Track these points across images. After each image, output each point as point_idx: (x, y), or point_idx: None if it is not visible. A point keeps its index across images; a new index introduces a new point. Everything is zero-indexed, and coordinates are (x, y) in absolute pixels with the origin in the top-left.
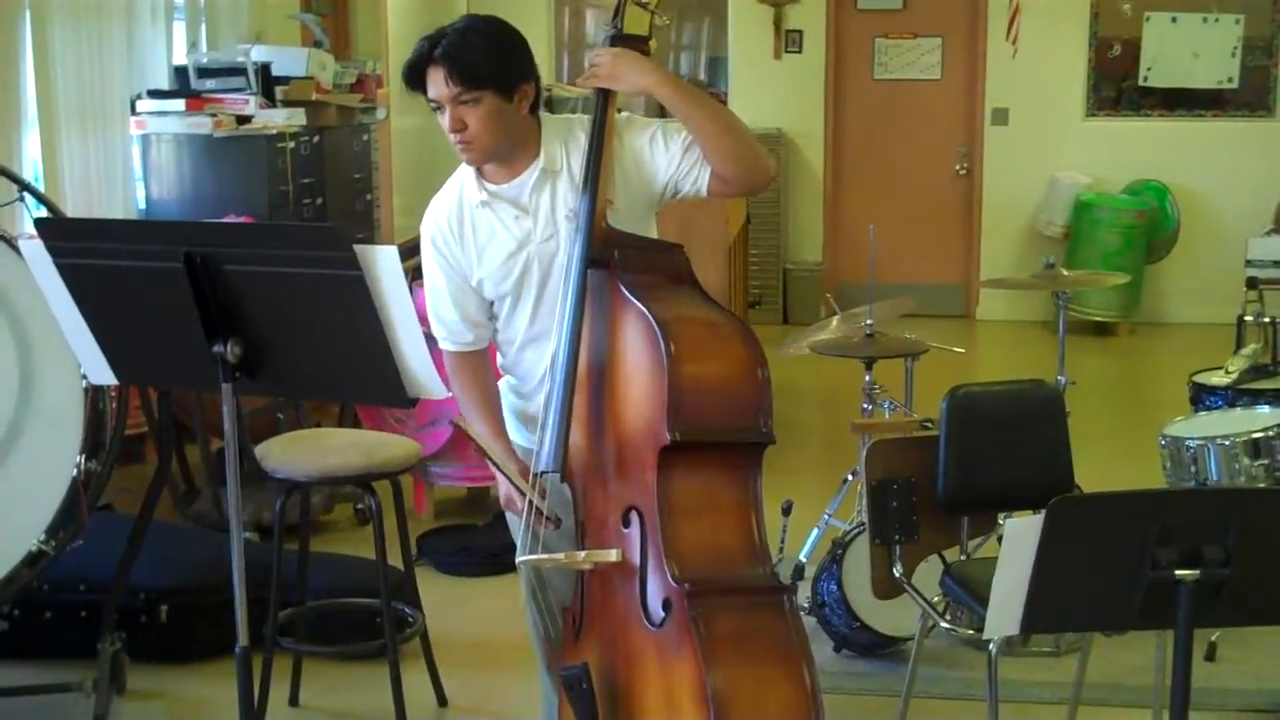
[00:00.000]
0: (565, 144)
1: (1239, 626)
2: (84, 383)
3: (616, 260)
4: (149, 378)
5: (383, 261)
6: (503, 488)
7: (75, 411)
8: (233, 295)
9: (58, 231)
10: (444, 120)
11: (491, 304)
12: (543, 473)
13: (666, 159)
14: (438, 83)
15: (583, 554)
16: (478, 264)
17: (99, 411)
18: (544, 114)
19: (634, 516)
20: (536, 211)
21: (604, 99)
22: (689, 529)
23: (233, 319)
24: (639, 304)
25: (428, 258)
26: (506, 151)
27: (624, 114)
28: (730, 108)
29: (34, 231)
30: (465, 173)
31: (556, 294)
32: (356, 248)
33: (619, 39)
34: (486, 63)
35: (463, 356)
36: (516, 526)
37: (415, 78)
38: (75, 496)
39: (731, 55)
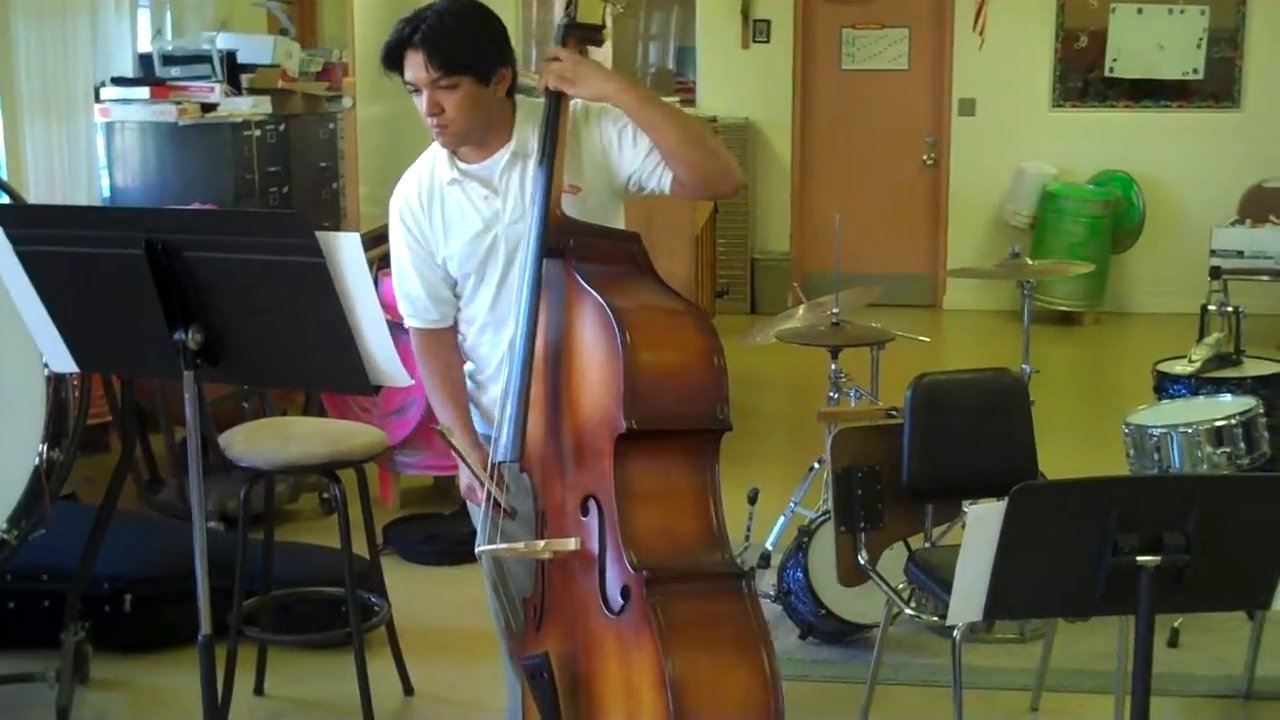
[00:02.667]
0: (538, 127)
1: (1200, 612)
2: (45, 371)
3: (571, 249)
4: (111, 365)
5: (345, 248)
6: (464, 478)
7: (37, 400)
8: (194, 282)
9: (17, 219)
10: (421, 103)
11: (456, 282)
12: (501, 462)
13: (633, 154)
14: (416, 66)
15: (542, 543)
16: (444, 241)
17: (61, 400)
18: (519, 97)
19: (592, 505)
20: (506, 192)
21: (557, 101)
22: (647, 516)
23: (194, 306)
24: (594, 293)
25: (395, 233)
26: (481, 134)
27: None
28: (699, 98)
29: None
30: (437, 150)
31: (518, 280)
32: (318, 234)
33: (572, 28)
34: (466, 48)
35: (429, 334)
36: (478, 516)
37: (393, 60)
38: (37, 486)
39: (699, 45)
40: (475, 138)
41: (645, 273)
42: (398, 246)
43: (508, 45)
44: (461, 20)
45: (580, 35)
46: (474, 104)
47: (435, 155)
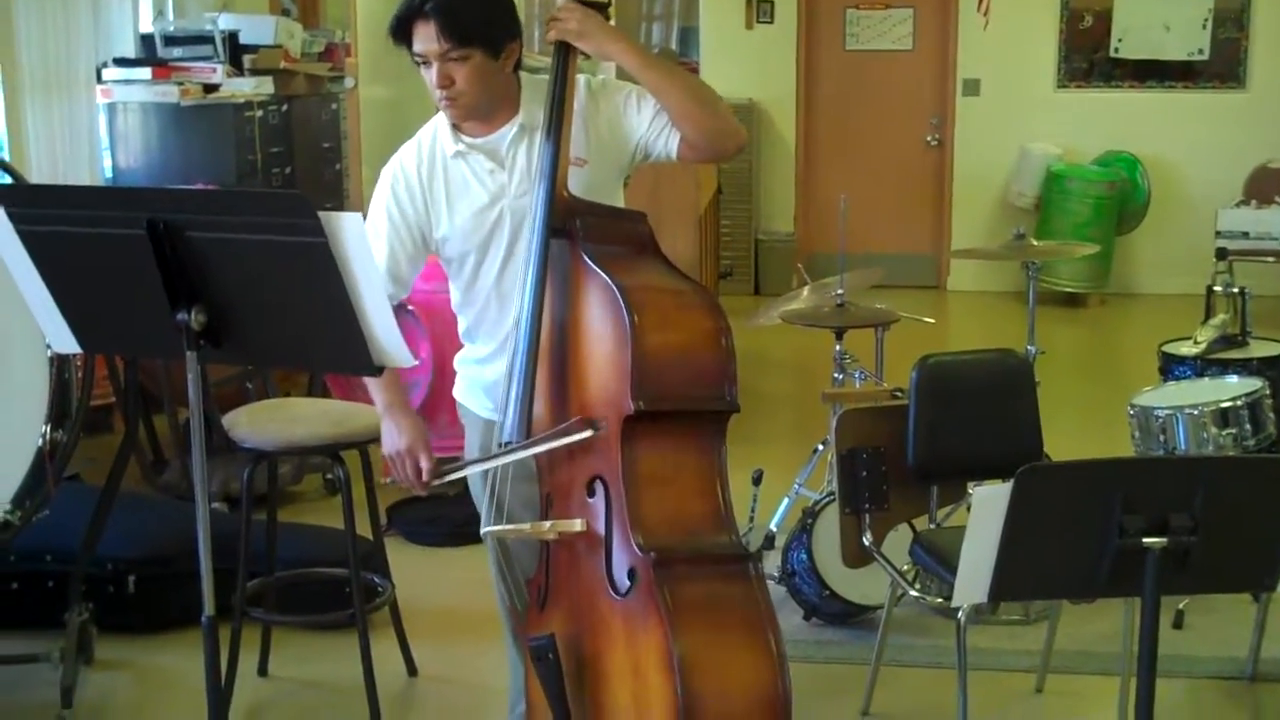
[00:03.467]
0: (544, 103)
1: (1206, 594)
2: (48, 352)
3: (578, 229)
4: (113, 346)
5: (348, 228)
6: (387, 443)
7: (40, 381)
8: (196, 262)
9: (19, 199)
10: (430, 76)
11: (458, 261)
12: (507, 443)
13: (639, 120)
14: (427, 38)
15: (548, 524)
16: (447, 216)
17: (64, 381)
18: (524, 74)
19: (599, 486)
20: (513, 166)
21: (564, 55)
22: (654, 498)
23: (196, 287)
24: (602, 273)
25: (379, 201)
26: (489, 108)
27: (600, 76)
28: (702, 78)
29: None
30: (440, 123)
31: (525, 253)
32: (321, 214)
33: (579, 3)
34: (478, 20)
35: None
36: (480, 498)
37: (402, 31)
38: (41, 467)
39: (703, 25)
40: (483, 111)
41: (652, 253)
42: (377, 213)
43: (516, 19)
44: None
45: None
46: (484, 77)
47: (437, 127)
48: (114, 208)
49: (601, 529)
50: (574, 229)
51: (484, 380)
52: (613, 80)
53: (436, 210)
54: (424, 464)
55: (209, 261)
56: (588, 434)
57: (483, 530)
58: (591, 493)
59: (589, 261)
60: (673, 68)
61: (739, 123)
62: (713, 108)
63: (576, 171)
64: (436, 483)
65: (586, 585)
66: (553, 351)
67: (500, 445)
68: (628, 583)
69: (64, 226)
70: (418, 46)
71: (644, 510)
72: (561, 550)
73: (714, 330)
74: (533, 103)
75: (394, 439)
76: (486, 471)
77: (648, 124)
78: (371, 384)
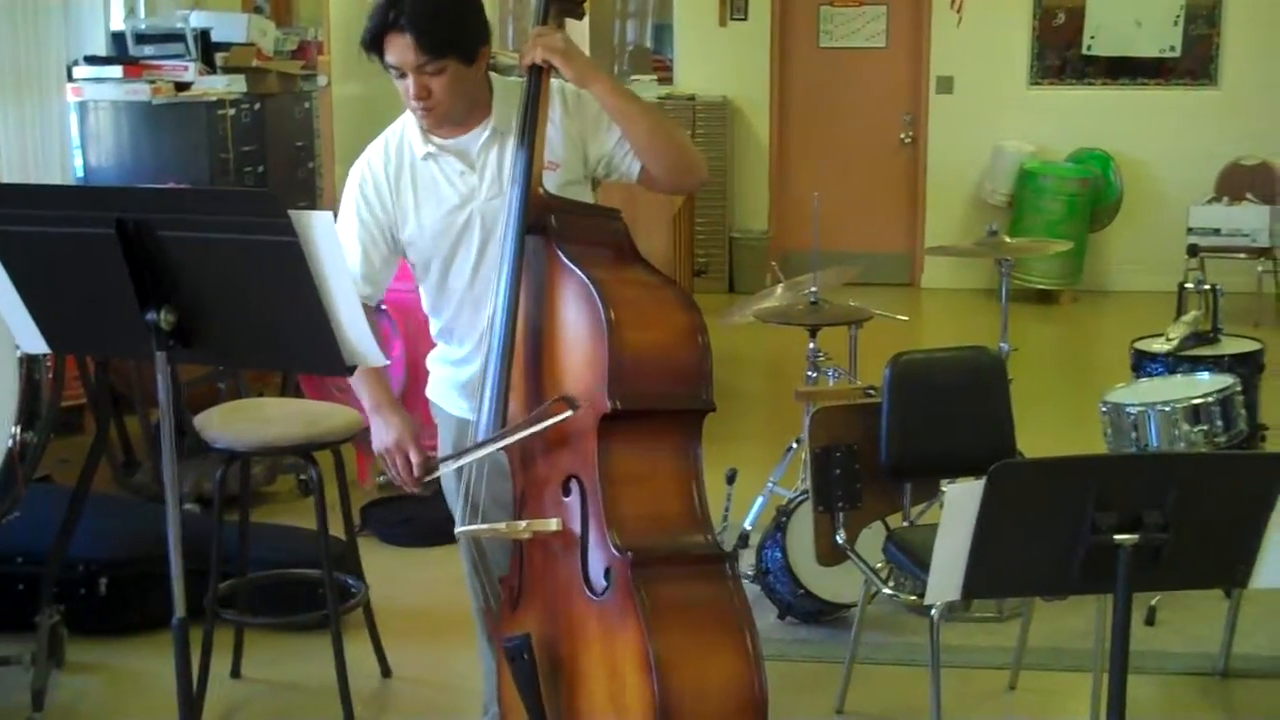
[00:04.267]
0: (517, 105)
1: (1178, 590)
2: (17, 352)
3: (553, 226)
4: (83, 346)
5: (318, 227)
6: (376, 441)
7: (9, 382)
8: (166, 262)
9: None
10: (405, 86)
11: (423, 265)
12: (482, 440)
13: (607, 137)
14: (402, 50)
15: (523, 524)
16: (414, 216)
17: (34, 381)
18: (493, 75)
19: (574, 485)
20: (484, 169)
21: (538, 76)
22: (630, 497)
23: (166, 286)
24: (577, 270)
25: (348, 201)
26: (463, 113)
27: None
28: (676, 75)
29: None
30: (408, 123)
31: (496, 256)
32: (292, 213)
33: (553, 3)
34: (452, 31)
35: None
36: (453, 498)
37: (375, 44)
38: (10, 468)
39: (677, 22)
40: (459, 117)
41: (628, 250)
42: (347, 215)
43: (486, 22)
44: (444, 1)
45: (561, 7)
46: (460, 84)
47: (405, 127)
48: (83, 207)
49: (577, 528)
50: (549, 225)
51: (458, 380)
52: (586, 93)
53: (403, 210)
54: (413, 458)
55: (179, 261)
56: (568, 414)
57: (457, 530)
58: (567, 492)
59: (564, 259)
60: (642, 102)
61: (702, 160)
62: (679, 145)
63: (549, 174)
64: (429, 478)
65: (562, 585)
66: (527, 350)
67: (475, 443)
68: (604, 583)
69: (32, 226)
70: (392, 59)
71: (620, 509)
72: (536, 549)
73: (691, 328)
74: (504, 105)
75: (382, 436)
76: (460, 469)
77: (612, 145)
78: (358, 384)
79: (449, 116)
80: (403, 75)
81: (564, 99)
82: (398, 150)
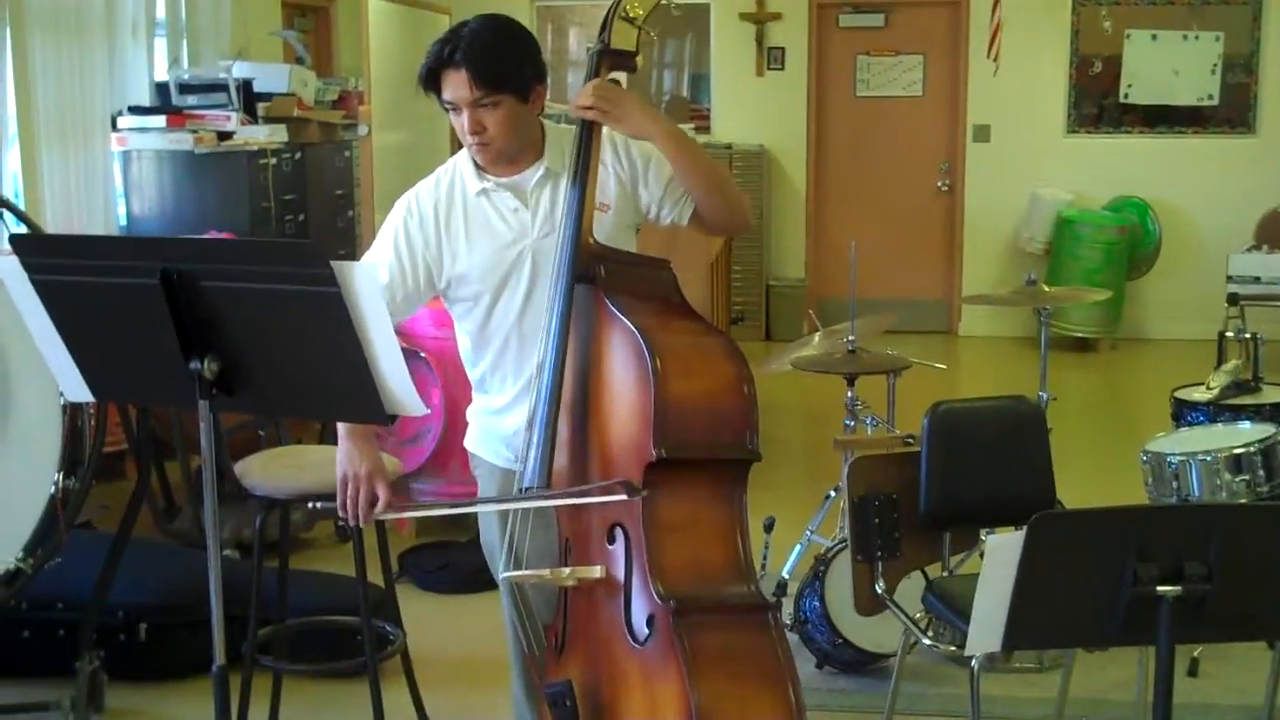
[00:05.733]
0: (568, 150)
1: (1221, 642)
2: (61, 400)
3: (602, 276)
4: (126, 394)
5: (361, 278)
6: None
7: (53, 429)
8: (210, 311)
9: (34, 248)
10: (461, 122)
11: (470, 302)
12: (528, 488)
13: (656, 183)
14: (459, 86)
15: (567, 570)
16: (466, 252)
17: (77, 429)
18: (546, 122)
19: (619, 533)
20: (536, 207)
21: (589, 128)
22: (674, 546)
23: (210, 336)
24: (625, 320)
25: (388, 230)
26: (518, 150)
27: None
28: (713, 125)
29: (9, 248)
30: (461, 161)
31: (545, 296)
32: (334, 264)
33: (606, 54)
34: (507, 67)
35: None
36: (495, 546)
37: (432, 80)
38: (53, 514)
39: (714, 72)
40: (512, 154)
41: (676, 300)
42: (384, 242)
43: (542, 62)
44: (500, 37)
45: (613, 61)
46: (514, 121)
47: (458, 165)
48: (128, 257)
49: (621, 576)
50: (598, 275)
51: (501, 431)
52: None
53: (454, 246)
54: (381, 494)
55: (222, 311)
56: (622, 497)
57: (501, 575)
58: (611, 539)
59: (612, 308)
60: (700, 150)
61: (750, 206)
62: (731, 192)
63: (602, 216)
64: (384, 517)
65: (605, 632)
66: (574, 397)
67: (521, 491)
68: (646, 630)
69: (78, 276)
70: (448, 95)
71: (664, 558)
72: (580, 597)
73: (737, 378)
74: (556, 149)
75: (354, 462)
76: (506, 517)
77: (664, 189)
78: None
79: (504, 153)
80: (458, 111)
81: (613, 143)
82: (449, 187)
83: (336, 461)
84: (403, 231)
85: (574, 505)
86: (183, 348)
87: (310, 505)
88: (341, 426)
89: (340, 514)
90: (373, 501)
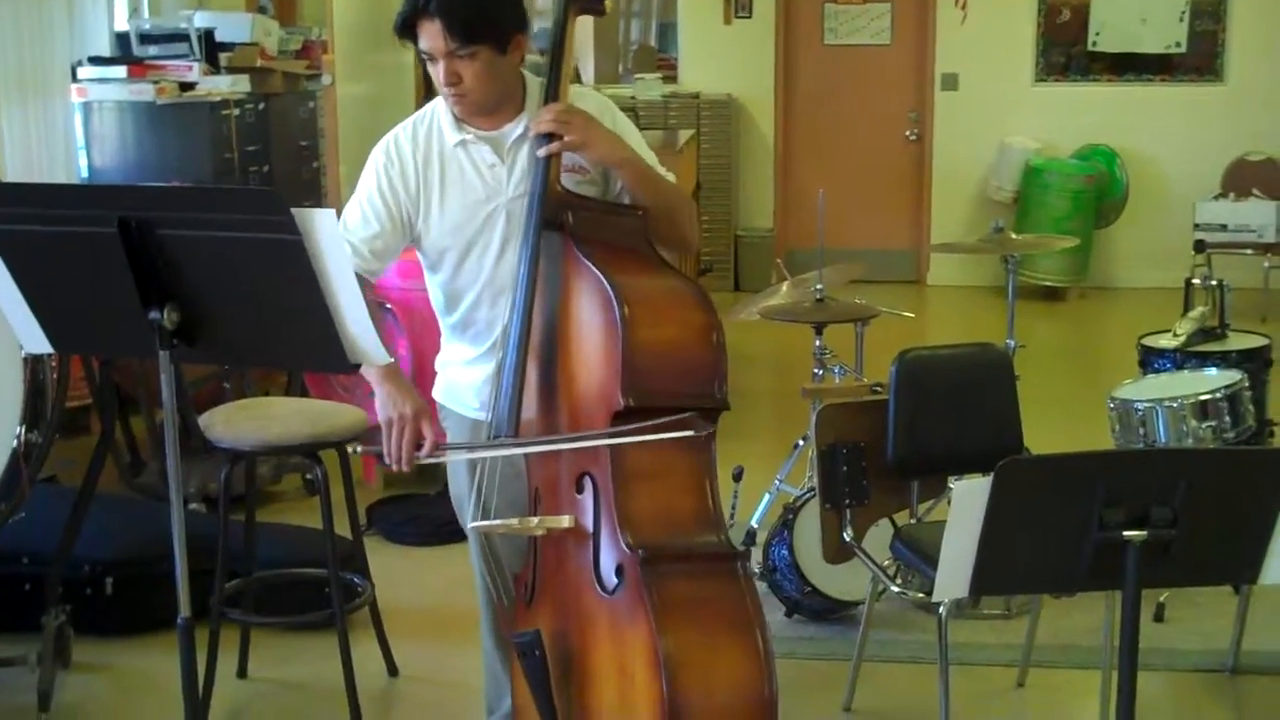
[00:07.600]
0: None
1: (1187, 587)
2: (22, 353)
3: (570, 223)
4: (87, 346)
5: (322, 225)
6: (388, 408)
7: (13, 382)
8: (169, 260)
9: None
10: (437, 72)
11: (436, 256)
12: (497, 437)
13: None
14: (433, 36)
15: (535, 519)
16: (439, 205)
17: (38, 382)
18: (527, 75)
19: (587, 482)
20: (514, 164)
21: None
22: (643, 495)
23: (169, 285)
24: (593, 267)
25: (369, 175)
26: (496, 102)
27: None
28: (681, 74)
29: None
30: (439, 109)
31: (517, 255)
32: (295, 211)
33: (573, 3)
34: (483, 16)
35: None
36: (462, 497)
37: (408, 29)
38: (15, 468)
39: (681, 20)
40: (491, 106)
41: (645, 248)
42: (365, 188)
43: (522, 10)
44: None
45: (581, 5)
46: (492, 72)
47: (436, 114)
48: (85, 206)
49: (590, 525)
50: (566, 221)
51: (471, 381)
52: (620, 117)
53: (428, 197)
54: (427, 434)
55: (182, 260)
56: (690, 433)
57: (470, 525)
58: (580, 489)
59: (580, 256)
60: (662, 183)
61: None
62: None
63: (577, 177)
64: (429, 460)
65: (573, 582)
66: (542, 345)
67: (491, 439)
68: (615, 580)
69: (34, 225)
70: (423, 44)
71: (633, 507)
72: (549, 546)
73: (706, 326)
74: (536, 100)
75: (397, 403)
76: (474, 468)
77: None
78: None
79: (481, 104)
80: (434, 61)
81: (601, 108)
82: (426, 136)
83: (378, 406)
84: (384, 178)
85: (639, 443)
86: (142, 297)
87: (351, 450)
88: (373, 372)
89: (385, 459)
90: (417, 443)
